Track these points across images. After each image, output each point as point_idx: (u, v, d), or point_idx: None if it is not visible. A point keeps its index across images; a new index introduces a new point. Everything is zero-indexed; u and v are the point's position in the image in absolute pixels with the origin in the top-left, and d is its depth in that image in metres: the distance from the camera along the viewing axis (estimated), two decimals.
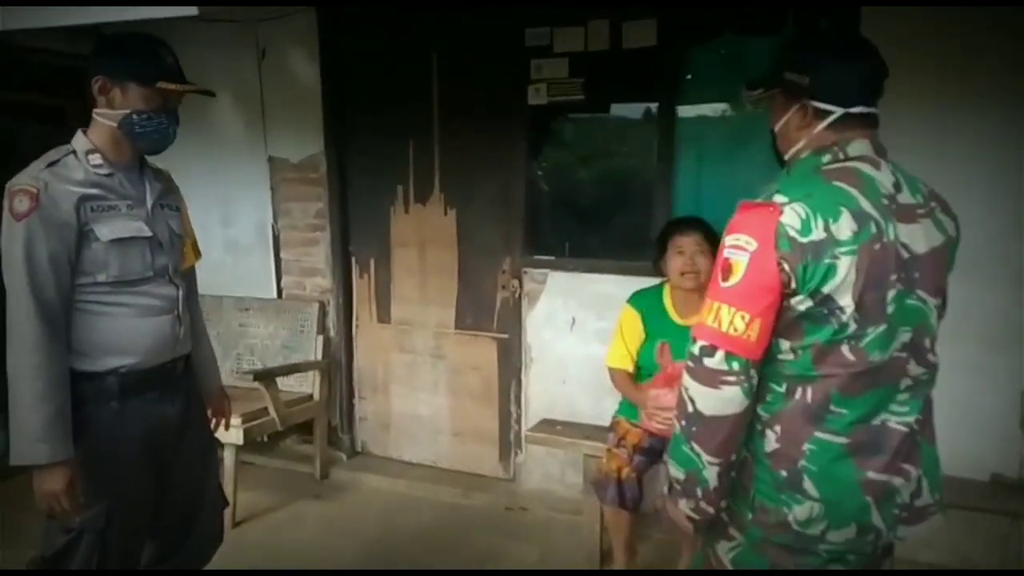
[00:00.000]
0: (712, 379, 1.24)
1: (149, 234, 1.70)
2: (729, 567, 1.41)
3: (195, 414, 1.91)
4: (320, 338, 3.47)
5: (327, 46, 3.30)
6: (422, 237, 3.35)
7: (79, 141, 1.66)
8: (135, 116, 1.63)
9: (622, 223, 3.01)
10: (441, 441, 3.48)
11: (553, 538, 2.93)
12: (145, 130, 1.65)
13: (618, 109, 2.96)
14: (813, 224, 1.21)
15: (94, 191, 1.61)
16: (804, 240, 1.20)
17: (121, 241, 1.63)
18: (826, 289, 1.21)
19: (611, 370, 2.52)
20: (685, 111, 2.80)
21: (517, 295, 3.13)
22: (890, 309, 1.24)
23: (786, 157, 1.40)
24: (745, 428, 1.30)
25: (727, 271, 1.26)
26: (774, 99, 1.41)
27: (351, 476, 3.49)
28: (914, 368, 1.30)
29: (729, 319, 1.24)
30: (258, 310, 3.61)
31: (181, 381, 1.84)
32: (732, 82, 2.74)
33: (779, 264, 1.21)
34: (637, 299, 2.51)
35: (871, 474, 1.29)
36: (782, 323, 1.26)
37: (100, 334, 1.63)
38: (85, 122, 1.69)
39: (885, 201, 1.25)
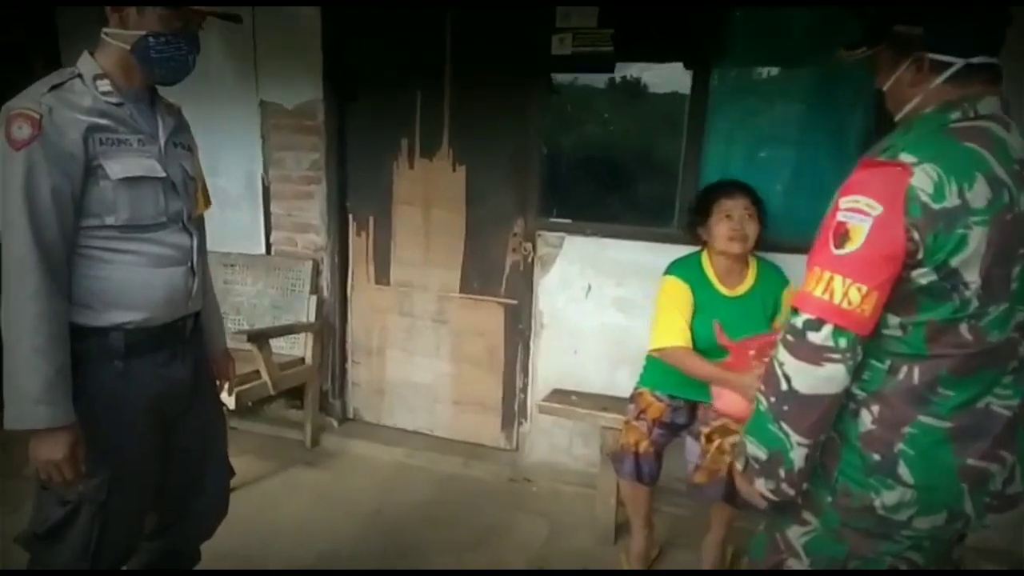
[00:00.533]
0: (815, 355, 1.15)
1: (163, 175, 1.51)
2: (801, 553, 1.34)
3: (204, 377, 1.74)
4: (313, 298, 3.26)
5: None
6: (427, 195, 3.15)
7: (86, 63, 1.46)
8: (151, 39, 1.43)
9: (647, 188, 2.87)
10: (439, 409, 3.33)
11: (562, 511, 2.83)
12: (161, 56, 1.45)
13: (649, 66, 2.78)
14: (947, 189, 1.10)
15: (103, 121, 1.42)
16: (937, 207, 1.09)
17: (132, 180, 1.44)
18: (954, 263, 1.12)
19: (667, 351, 2.26)
20: (720, 72, 2.64)
21: (530, 259, 2.97)
22: (1014, 286, 1.15)
23: (898, 117, 1.28)
24: (839, 407, 1.20)
25: (842, 236, 1.14)
26: (879, 56, 1.28)
27: (343, 443, 3.33)
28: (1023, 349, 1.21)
29: (843, 290, 1.13)
30: (245, 266, 3.38)
31: (191, 340, 1.65)
32: (769, 45, 2.62)
33: (907, 232, 1.10)
34: (680, 270, 2.35)
35: (970, 460, 1.22)
36: (895, 296, 1.16)
37: (105, 284, 1.45)
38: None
39: (1016, 167, 1.15)
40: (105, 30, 1.46)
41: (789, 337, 1.17)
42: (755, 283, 2.31)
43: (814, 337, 1.14)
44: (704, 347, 2.24)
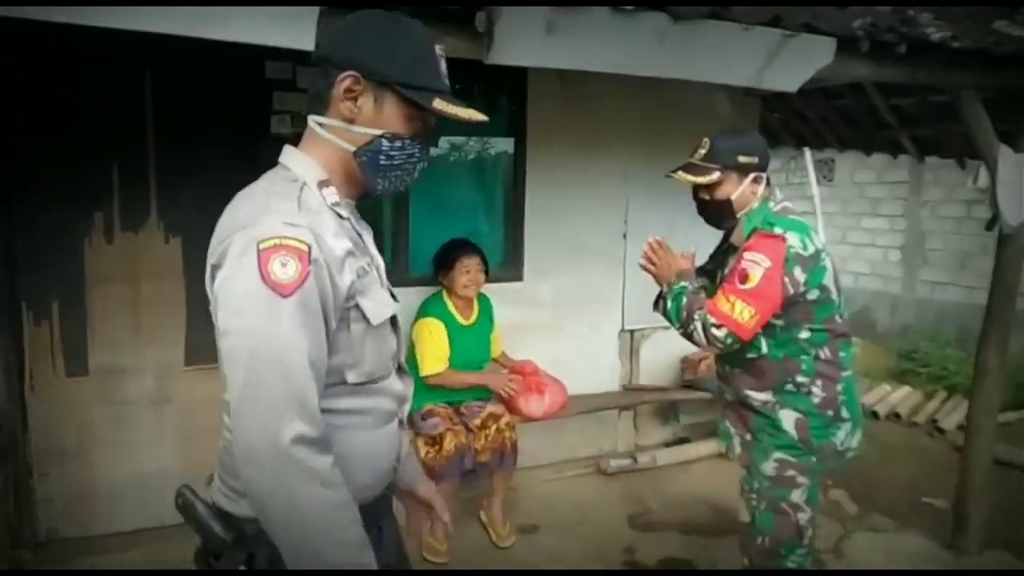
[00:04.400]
0: (713, 340, 1.88)
1: (396, 306, 1.21)
2: (805, 507, 1.95)
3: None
4: None
5: None
6: (134, 270, 2.95)
7: (304, 165, 1.10)
8: (386, 141, 1.10)
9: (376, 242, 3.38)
10: (170, 494, 3.10)
11: None
12: (391, 163, 1.11)
13: None
14: (807, 243, 1.85)
15: (350, 246, 1.10)
16: (806, 254, 1.83)
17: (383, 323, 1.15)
18: (824, 282, 1.88)
19: (435, 375, 2.92)
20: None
21: None
22: (839, 284, 1.97)
23: (741, 213, 1.99)
24: None
25: (744, 277, 1.84)
26: (726, 178, 1.95)
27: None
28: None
29: (739, 310, 1.82)
30: None
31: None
32: (452, 130, 3.50)
33: (783, 279, 1.80)
34: (433, 310, 3.00)
35: (859, 390, 2.00)
36: (800, 313, 1.85)
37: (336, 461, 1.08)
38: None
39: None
40: (321, 120, 1.10)
41: (710, 323, 1.85)
42: (479, 314, 3.17)
43: (716, 332, 1.85)
44: (458, 364, 3.00)
